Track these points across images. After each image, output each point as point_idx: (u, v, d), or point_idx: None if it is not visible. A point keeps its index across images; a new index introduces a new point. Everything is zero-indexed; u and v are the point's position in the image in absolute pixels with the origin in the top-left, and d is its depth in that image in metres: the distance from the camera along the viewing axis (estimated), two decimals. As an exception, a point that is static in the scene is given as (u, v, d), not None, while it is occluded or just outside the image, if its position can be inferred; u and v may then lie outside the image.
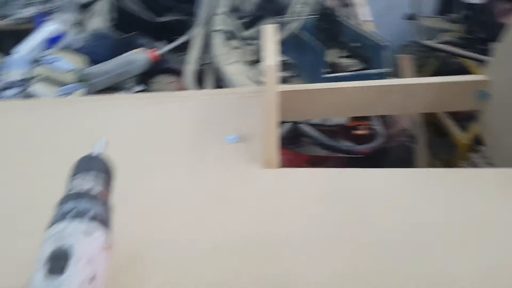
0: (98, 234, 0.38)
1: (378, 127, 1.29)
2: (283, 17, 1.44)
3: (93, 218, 0.38)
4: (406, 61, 1.87)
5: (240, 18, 1.53)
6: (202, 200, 0.74)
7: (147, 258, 0.63)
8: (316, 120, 1.28)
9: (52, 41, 1.55)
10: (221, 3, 1.47)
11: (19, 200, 0.73)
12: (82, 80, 1.44)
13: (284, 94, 0.93)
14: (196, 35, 1.50)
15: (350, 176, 0.79)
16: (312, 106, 1.02)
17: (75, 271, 0.34)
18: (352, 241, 0.66)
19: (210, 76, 1.43)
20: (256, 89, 1.07)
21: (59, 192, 0.41)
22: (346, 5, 1.62)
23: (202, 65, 1.48)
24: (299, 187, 0.76)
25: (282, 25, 1.41)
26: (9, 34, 1.90)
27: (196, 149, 0.85)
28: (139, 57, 1.46)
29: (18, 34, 1.77)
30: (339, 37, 1.37)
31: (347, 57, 1.41)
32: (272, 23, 1.50)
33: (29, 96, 1.37)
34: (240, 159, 0.82)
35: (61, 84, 1.42)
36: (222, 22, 1.45)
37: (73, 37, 1.56)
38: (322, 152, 1.35)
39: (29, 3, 1.72)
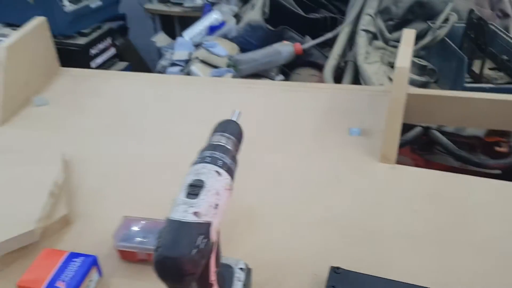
0: (224, 177, 0.49)
1: (515, 144, 1.22)
2: (432, 22, 1.43)
3: (223, 165, 0.49)
4: None
5: (388, 20, 1.56)
6: (317, 179, 0.82)
7: (259, 219, 0.74)
8: (449, 128, 1.26)
9: (213, 28, 1.75)
10: (371, 4, 1.51)
11: (168, 154, 0.90)
12: (233, 65, 1.61)
13: (414, 96, 0.96)
14: (341, 32, 1.57)
15: (463, 182, 0.80)
16: (442, 113, 1.02)
17: (205, 196, 0.45)
18: (449, 242, 0.68)
19: (349, 73, 1.49)
20: (387, 89, 1.11)
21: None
22: (504, 15, 1.53)
23: (343, 61, 1.54)
24: (411, 184, 0.80)
25: (430, 30, 1.40)
26: (180, 19, 2.20)
27: (320, 135, 0.94)
28: (285, 49, 1.58)
29: (187, 20, 2.03)
30: (488, 48, 1.31)
31: (494, 69, 1.35)
32: (420, 28, 1.50)
33: (188, 73, 1.59)
34: (359, 150, 0.88)
35: (215, 66, 1.61)
36: (369, 22, 1.49)
37: (230, 27, 1.75)
38: (453, 163, 1.32)
39: (199, -6, 1.97)
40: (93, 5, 1.79)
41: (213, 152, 0.51)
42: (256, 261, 0.64)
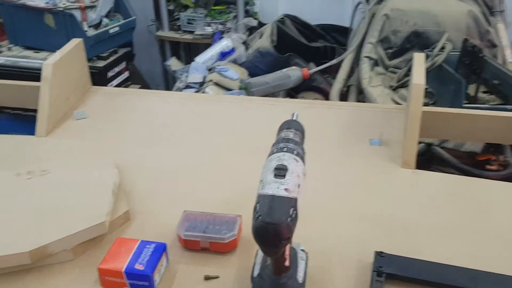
0: (300, 163, 0.58)
1: (510, 158, 1.35)
2: (429, 50, 1.57)
3: (297, 154, 0.59)
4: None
5: (388, 48, 1.70)
6: (349, 182, 0.92)
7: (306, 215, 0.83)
8: (449, 145, 1.39)
9: (224, 54, 1.87)
10: (373, 34, 1.66)
11: (205, 160, 0.99)
12: (244, 88, 1.72)
13: (424, 113, 1.07)
14: (345, 59, 1.70)
15: (476, 184, 0.91)
16: (449, 128, 1.13)
17: (291, 177, 0.54)
18: (468, 232, 0.78)
19: (353, 95, 1.62)
20: (397, 107, 1.23)
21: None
22: (492, 45, 1.70)
23: (347, 86, 1.67)
24: (431, 185, 0.91)
25: (428, 57, 1.55)
26: (193, 45, 2.31)
27: (343, 145, 1.04)
28: (294, 73, 1.70)
29: (200, 46, 2.15)
30: (481, 73, 1.46)
31: (486, 92, 1.50)
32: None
33: (203, 95, 1.68)
34: (381, 157, 0.99)
35: (227, 89, 1.72)
36: (371, 50, 1.63)
37: (240, 53, 1.87)
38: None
39: (210, 23, 2.10)
40: (112, 30, 1.89)
41: (287, 144, 0.60)
42: (307, 249, 0.72)
